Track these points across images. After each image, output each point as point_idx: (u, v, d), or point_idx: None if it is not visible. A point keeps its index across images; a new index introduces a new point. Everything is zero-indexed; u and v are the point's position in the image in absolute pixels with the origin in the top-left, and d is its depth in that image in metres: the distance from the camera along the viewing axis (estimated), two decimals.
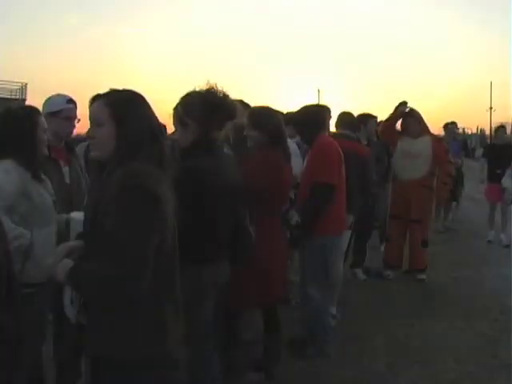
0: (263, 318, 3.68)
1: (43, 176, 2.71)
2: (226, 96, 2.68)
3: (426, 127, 6.22)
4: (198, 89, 2.67)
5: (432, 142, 6.09)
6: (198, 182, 2.49)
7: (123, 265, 1.71)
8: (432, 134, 6.41)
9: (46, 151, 2.74)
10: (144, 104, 1.93)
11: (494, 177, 7.83)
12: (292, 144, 4.68)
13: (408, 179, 6.01)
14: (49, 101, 3.15)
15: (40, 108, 2.98)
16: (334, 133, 4.90)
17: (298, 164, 4.42)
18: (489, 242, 8.12)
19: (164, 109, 2.81)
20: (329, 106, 4.91)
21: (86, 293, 1.87)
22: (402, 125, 6.24)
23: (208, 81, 2.65)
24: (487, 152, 8.64)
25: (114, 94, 1.91)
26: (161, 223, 1.80)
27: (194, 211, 2.44)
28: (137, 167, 1.80)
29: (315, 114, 4.14)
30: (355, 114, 6.12)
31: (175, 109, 2.70)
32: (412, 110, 6.13)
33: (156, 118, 1.96)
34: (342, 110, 5.25)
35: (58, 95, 3.18)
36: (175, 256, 1.96)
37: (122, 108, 1.86)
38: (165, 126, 2.38)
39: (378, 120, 6.80)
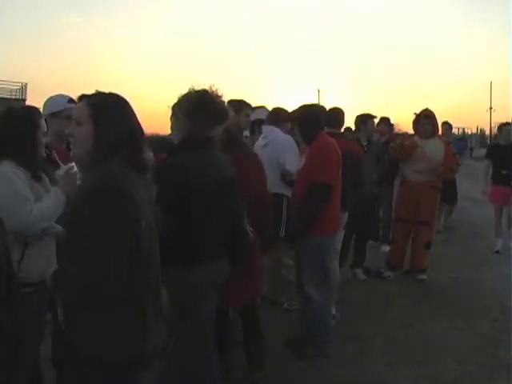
0: (245, 321, 3.59)
1: (43, 175, 2.71)
2: (219, 99, 2.70)
3: (438, 129, 6.19)
4: (196, 88, 2.70)
5: (444, 145, 6.04)
6: (182, 183, 2.50)
7: (98, 265, 1.74)
8: (441, 136, 6.37)
9: (43, 154, 2.74)
10: (125, 107, 1.98)
11: (499, 178, 7.44)
12: (290, 141, 4.68)
13: (418, 181, 5.95)
14: (50, 101, 3.15)
15: (41, 108, 2.98)
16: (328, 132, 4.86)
17: (294, 162, 4.41)
18: (497, 252, 7.36)
19: (162, 108, 2.86)
20: (329, 106, 4.91)
21: (66, 295, 1.91)
22: (414, 124, 6.18)
23: (212, 85, 2.69)
24: (490, 153, 7.93)
25: (96, 95, 1.97)
26: (135, 224, 1.82)
27: (183, 212, 2.48)
28: (111, 168, 1.84)
29: (317, 113, 4.14)
30: (355, 114, 6.14)
31: (173, 106, 2.75)
32: (427, 110, 6.06)
33: (137, 121, 2.00)
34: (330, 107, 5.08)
35: (59, 95, 3.18)
36: (155, 257, 1.98)
37: (102, 109, 1.91)
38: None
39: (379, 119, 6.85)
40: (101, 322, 1.83)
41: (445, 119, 8.08)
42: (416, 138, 6.11)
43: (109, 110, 1.92)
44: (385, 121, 7.52)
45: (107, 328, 1.83)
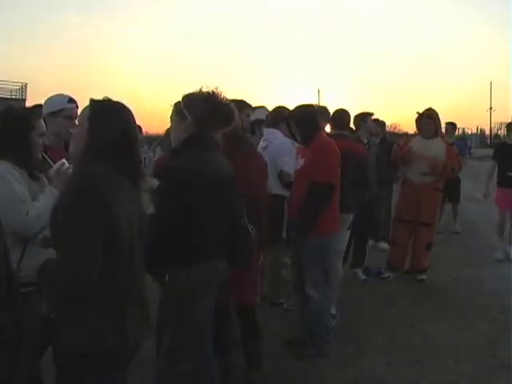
0: (243, 321, 3.57)
1: (40, 174, 2.71)
2: (227, 101, 2.70)
3: (440, 129, 6.19)
4: (204, 89, 2.69)
5: (446, 146, 6.03)
6: (185, 184, 2.50)
7: (66, 263, 1.82)
8: (443, 137, 6.34)
9: (39, 155, 2.73)
10: (122, 113, 2.05)
11: (506, 180, 7.01)
12: (289, 143, 4.68)
13: (419, 182, 5.94)
14: (49, 101, 3.15)
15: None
16: (328, 133, 4.88)
17: (292, 164, 4.40)
18: (498, 261, 6.92)
19: (162, 108, 2.85)
20: (329, 106, 4.91)
21: (49, 289, 2.01)
22: (416, 123, 6.16)
23: (216, 87, 2.69)
24: (497, 153, 7.41)
25: (100, 100, 2.05)
26: (108, 223, 1.85)
27: (185, 213, 2.48)
28: (90, 168, 1.91)
29: (314, 113, 4.13)
30: (355, 114, 6.14)
31: (176, 103, 2.73)
32: (430, 110, 6.06)
33: (132, 127, 2.07)
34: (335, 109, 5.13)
35: (59, 95, 3.18)
36: (136, 256, 2.01)
37: (98, 113, 2.00)
38: (140, 127, 2.45)
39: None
40: (83, 319, 1.88)
41: (444, 119, 8.07)
42: (418, 137, 6.11)
43: (103, 114, 2.00)
44: (375, 122, 7.54)
45: (89, 324, 1.88)
